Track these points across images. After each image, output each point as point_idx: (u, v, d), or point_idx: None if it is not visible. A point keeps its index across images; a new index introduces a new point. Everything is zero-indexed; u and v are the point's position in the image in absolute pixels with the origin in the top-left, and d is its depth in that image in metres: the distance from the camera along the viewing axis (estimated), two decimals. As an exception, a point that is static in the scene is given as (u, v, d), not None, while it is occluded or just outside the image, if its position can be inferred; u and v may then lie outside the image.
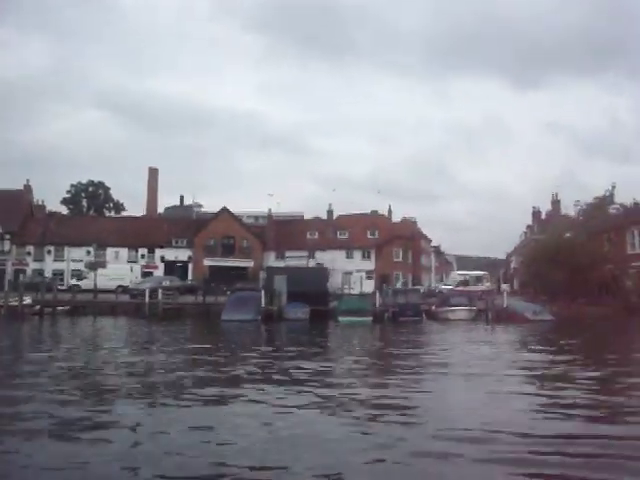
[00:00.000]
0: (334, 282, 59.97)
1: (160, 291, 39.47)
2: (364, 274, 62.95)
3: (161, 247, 62.26)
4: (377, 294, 38.97)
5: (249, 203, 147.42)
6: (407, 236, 67.17)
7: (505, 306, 37.75)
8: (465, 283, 53.60)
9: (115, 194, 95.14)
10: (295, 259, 58.96)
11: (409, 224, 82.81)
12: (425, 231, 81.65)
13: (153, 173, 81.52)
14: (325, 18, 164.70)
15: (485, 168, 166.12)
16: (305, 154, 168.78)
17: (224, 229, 63.07)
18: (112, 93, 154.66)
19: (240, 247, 63.28)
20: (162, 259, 62.05)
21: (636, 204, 48.04)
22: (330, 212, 68.88)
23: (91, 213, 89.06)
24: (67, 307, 41.31)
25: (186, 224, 65.60)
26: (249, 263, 61.65)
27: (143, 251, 62.24)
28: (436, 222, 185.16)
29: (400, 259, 65.05)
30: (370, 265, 64.69)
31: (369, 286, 60.27)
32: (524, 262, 56.89)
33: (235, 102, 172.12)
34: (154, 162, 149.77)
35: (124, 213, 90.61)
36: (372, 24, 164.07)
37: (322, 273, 45.35)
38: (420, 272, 78.27)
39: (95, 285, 45.92)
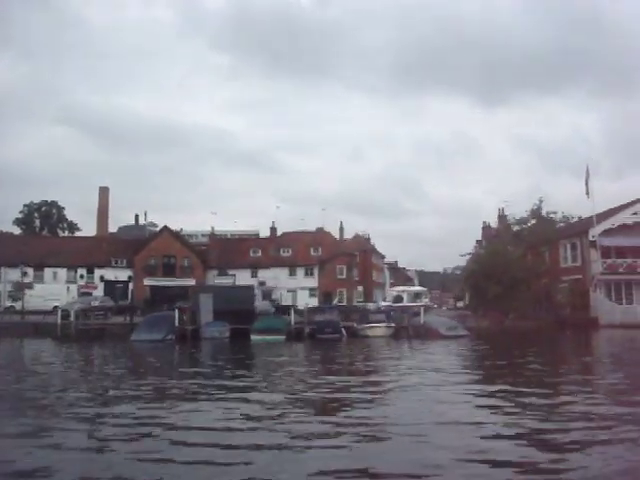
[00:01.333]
0: (278, 300, 60.10)
1: (73, 312, 38.89)
2: (307, 291, 62.90)
3: (101, 267, 61.57)
4: (292, 312, 38.68)
5: (214, 221, 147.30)
6: (351, 253, 67.01)
7: (422, 322, 37.70)
8: (399, 299, 53.67)
9: (75, 213, 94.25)
10: (225, 277, 58.56)
11: (360, 240, 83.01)
12: (391, 247, 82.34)
13: (104, 192, 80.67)
14: (293, 37, 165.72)
15: (455, 184, 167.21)
16: (274, 172, 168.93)
17: (164, 248, 62.56)
18: (77, 111, 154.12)
19: (181, 266, 62.76)
20: (101, 279, 61.25)
21: (565, 217, 48.45)
22: (274, 229, 68.81)
23: (44, 233, 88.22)
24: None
25: (127, 244, 65.01)
26: (190, 282, 61.07)
27: (82, 271, 61.47)
28: (405, 238, 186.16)
29: (344, 276, 64.75)
30: (313, 282, 64.39)
31: (312, 303, 60.23)
32: (463, 276, 56.98)
33: (204, 119, 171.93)
34: (119, 180, 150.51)
35: (78, 233, 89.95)
36: (341, 43, 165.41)
37: (248, 292, 45.00)
38: (371, 288, 78.41)
39: (23, 306, 45.78)
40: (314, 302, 61.13)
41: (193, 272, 62.17)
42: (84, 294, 57.72)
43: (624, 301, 47.13)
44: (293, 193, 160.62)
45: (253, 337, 35.03)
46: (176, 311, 37.16)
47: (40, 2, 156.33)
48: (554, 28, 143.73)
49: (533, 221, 48.44)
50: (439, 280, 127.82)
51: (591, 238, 47.37)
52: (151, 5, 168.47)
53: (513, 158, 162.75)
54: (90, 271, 61.67)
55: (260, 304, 45.52)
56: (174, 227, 73.69)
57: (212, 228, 68.87)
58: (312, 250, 65.63)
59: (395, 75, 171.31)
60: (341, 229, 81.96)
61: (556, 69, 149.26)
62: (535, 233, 48.47)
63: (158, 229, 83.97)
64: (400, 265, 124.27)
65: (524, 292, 47.45)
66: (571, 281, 49.41)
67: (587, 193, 47.39)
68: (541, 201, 47.79)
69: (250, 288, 46.69)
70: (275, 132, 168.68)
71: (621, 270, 47.07)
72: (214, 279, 58.67)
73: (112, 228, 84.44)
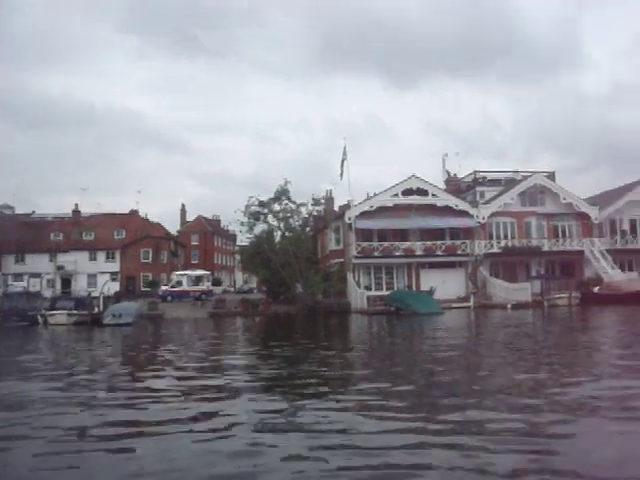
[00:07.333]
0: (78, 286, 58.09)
1: None
2: (108, 275, 60.79)
3: None
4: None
5: (114, 203, 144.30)
6: (159, 236, 64.88)
7: (101, 309, 35.91)
8: (179, 283, 52.01)
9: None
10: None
11: (201, 223, 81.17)
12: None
13: None
14: (204, 18, 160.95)
15: (367, 166, 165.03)
16: (185, 153, 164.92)
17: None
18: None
19: (-32, 251, 59.94)
20: None
21: (316, 201, 46.90)
22: (77, 212, 66.13)
23: None
24: None
25: None
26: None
27: None
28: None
29: (149, 260, 62.68)
30: (115, 267, 62.27)
31: (114, 288, 58.41)
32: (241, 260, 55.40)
33: (113, 100, 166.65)
34: (22, 161, 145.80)
35: None
36: (251, 24, 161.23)
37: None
38: (214, 270, 76.69)
39: None
40: (116, 287, 59.48)
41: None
42: None
43: (384, 286, 46.04)
44: (208, 174, 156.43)
45: None
46: None
47: None
48: (463, 15, 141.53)
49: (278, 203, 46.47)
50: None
51: (347, 221, 46.18)
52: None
53: (425, 140, 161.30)
54: None
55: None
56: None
57: (12, 210, 66.05)
58: (116, 233, 63.35)
59: (309, 59, 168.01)
60: (182, 212, 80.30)
61: (466, 55, 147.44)
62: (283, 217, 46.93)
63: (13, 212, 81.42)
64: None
65: (290, 277, 46.26)
66: (337, 265, 48.30)
67: (341, 175, 46.17)
68: (287, 182, 45.96)
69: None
70: (188, 113, 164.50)
71: (376, 254, 45.87)
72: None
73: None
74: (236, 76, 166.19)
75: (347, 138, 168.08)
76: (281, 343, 20.15)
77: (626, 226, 50.02)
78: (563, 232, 49.40)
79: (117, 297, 47.48)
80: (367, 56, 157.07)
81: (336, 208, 56.37)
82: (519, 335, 20.97)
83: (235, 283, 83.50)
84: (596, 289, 42.74)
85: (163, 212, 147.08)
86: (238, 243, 71.77)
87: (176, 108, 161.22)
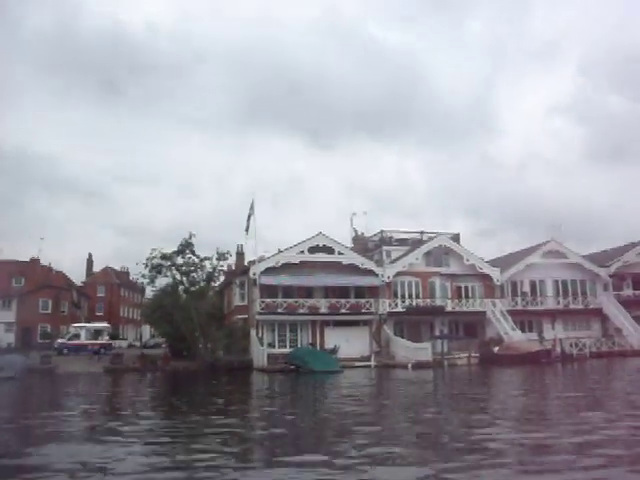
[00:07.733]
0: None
1: None
2: (3, 326, 57.75)
3: None
4: None
5: (19, 251, 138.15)
6: (60, 286, 62.38)
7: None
8: (76, 336, 49.91)
9: None
10: None
11: (108, 274, 78.92)
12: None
13: None
14: (128, 66, 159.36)
15: (286, 222, 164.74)
16: (101, 202, 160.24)
17: None
18: None
19: None
20: None
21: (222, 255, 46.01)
22: (-28, 258, 63.27)
23: None
24: None
25: None
26: None
27: None
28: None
29: (49, 310, 60.02)
30: (11, 316, 59.23)
31: (9, 339, 55.62)
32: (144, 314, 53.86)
33: (30, 144, 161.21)
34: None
35: None
36: (174, 77, 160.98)
37: None
38: (119, 324, 74.33)
39: None
40: (11, 338, 56.62)
41: None
42: None
43: (288, 343, 45.29)
44: (125, 224, 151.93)
45: None
46: None
47: None
48: (380, 84, 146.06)
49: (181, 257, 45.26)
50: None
51: (252, 276, 45.55)
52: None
53: (342, 199, 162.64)
54: None
55: None
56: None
57: None
58: (15, 281, 60.51)
59: (233, 115, 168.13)
60: (89, 262, 77.93)
61: (386, 118, 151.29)
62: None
63: None
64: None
65: (191, 332, 44.96)
66: (241, 321, 47.39)
67: (246, 230, 45.56)
68: (191, 236, 44.92)
69: None
70: (106, 162, 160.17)
71: (281, 310, 45.24)
72: None
73: None
74: (160, 128, 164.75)
75: (269, 194, 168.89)
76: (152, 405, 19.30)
77: (526, 288, 51.31)
78: (466, 293, 50.16)
79: (6, 349, 45.01)
80: (290, 115, 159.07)
81: (247, 263, 55.67)
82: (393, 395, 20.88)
83: (142, 337, 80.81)
84: (496, 349, 43.38)
85: (75, 262, 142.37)
86: (147, 296, 70.10)
87: (95, 156, 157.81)
